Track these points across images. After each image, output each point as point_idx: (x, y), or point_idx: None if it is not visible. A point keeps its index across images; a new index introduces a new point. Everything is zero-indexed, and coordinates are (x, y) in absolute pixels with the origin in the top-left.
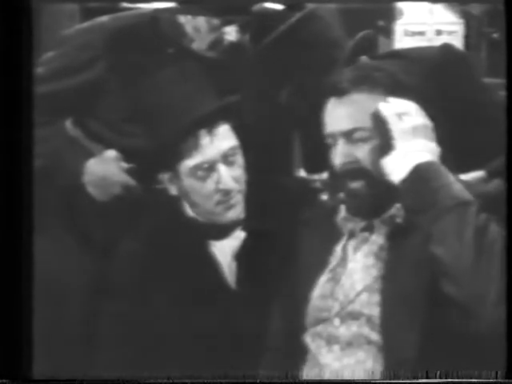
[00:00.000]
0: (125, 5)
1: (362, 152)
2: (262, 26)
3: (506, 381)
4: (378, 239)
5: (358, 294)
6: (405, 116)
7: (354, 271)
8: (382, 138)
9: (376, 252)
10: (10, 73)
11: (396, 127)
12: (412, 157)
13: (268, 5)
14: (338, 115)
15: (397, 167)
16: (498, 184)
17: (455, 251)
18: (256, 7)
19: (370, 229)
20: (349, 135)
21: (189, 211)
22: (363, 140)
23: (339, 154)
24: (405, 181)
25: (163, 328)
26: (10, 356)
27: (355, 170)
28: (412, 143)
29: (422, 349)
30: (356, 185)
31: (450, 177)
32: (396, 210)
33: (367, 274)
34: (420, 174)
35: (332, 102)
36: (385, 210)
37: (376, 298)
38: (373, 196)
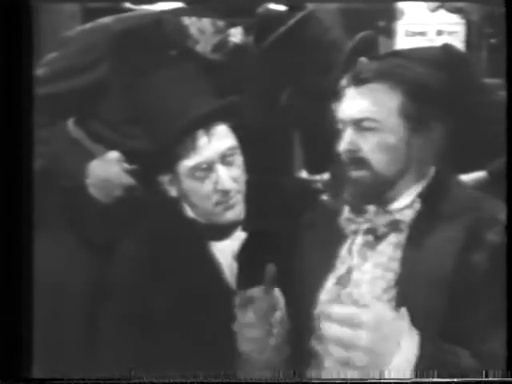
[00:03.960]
0: (127, 5)
1: (367, 142)
2: (266, 27)
3: (506, 380)
4: (384, 243)
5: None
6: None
7: (361, 279)
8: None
9: (384, 260)
10: (10, 73)
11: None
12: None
13: (272, 6)
14: (353, 103)
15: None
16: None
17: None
18: (260, 9)
19: (374, 231)
20: (358, 123)
21: (189, 212)
22: (370, 130)
23: (345, 142)
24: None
25: (163, 328)
26: (10, 356)
27: (357, 159)
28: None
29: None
30: (357, 174)
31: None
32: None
33: (375, 282)
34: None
35: (350, 91)
36: (387, 206)
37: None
38: (375, 189)
